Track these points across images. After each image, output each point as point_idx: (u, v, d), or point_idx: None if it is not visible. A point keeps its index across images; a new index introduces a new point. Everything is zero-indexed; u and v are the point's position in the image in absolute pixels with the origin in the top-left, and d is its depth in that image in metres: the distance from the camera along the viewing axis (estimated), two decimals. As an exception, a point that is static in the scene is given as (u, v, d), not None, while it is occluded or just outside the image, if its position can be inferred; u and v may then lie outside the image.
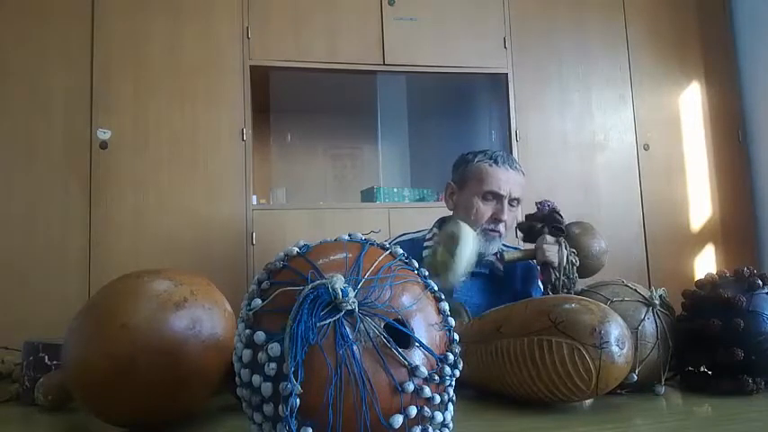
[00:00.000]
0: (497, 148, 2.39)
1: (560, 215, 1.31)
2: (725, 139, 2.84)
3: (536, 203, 1.35)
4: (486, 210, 1.44)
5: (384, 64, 2.54)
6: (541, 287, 1.53)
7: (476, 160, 1.47)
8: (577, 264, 1.25)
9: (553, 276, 1.25)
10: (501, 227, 1.44)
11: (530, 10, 2.72)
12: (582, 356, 0.66)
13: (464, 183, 1.49)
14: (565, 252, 1.25)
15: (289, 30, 2.48)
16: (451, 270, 1.15)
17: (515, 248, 1.63)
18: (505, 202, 1.44)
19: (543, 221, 1.32)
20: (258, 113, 2.73)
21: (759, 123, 2.81)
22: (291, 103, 2.90)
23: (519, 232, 1.39)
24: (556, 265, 1.25)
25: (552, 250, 1.26)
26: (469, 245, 1.17)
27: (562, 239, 1.27)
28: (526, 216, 1.37)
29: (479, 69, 2.66)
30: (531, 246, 1.35)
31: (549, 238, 1.28)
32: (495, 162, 1.45)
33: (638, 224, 2.70)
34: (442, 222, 1.58)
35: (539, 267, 1.53)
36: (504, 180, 1.43)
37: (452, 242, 1.18)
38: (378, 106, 2.96)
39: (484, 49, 2.65)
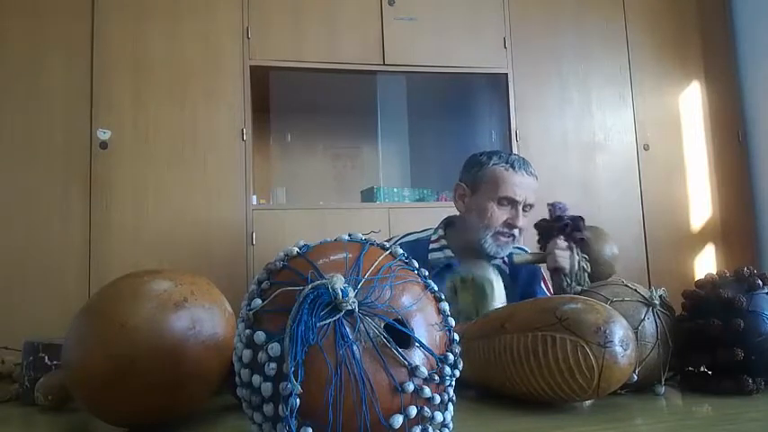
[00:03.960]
0: (498, 149, 2.39)
1: (583, 223, 1.27)
2: (725, 139, 2.84)
3: (548, 205, 1.31)
4: (501, 215, 1.41)
5: (384, 64, 2.54)
6: (545, 289, 1.52)
7: (491, 163, 1.44)
8: (589, 270, 1.22)
9: (564, 283, 1.23)
10: (515, 232, 1.43)
11: (530, 10, 2.72)
12: (585, 354, 0.66)
13: (477, 186, 1.46)
14: (576, 258, 1.22)
15: (289, 30, 2.48)
16: (478, 311, 1.10)
17: (520, 248, 1.63)
18: (520, 207, 1.42)
19: (566, 227, 1.27)
20: (258, 113, 2.73)
21: (759, 123, 2.81)
22: (291, 103, 2.90)
23: (536, 230, 1.35)
24: (567, 271, 1.23)
25: (564, 256, 1.24)
26: (500, 294, 1.11)
27: (574, 245, 1.24)
28: (547, 219, 1.33)
29: (479, 69, 2.66)
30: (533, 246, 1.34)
31: (560, 243, 1.26)
32: (512, 167, 1.42)
33: (638, 224, 2.70)
34: (448, 222, 1.57)
35: (544, 272, 1.53)
36: (520, 186, 1.41)
37: (481, 294, 1.12)
38: (378, 106, 2.96)
39: (484, 49, 2.65)
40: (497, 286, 1.13)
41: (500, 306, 1.12)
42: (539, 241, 1.35)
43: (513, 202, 1.42)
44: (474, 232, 1.44)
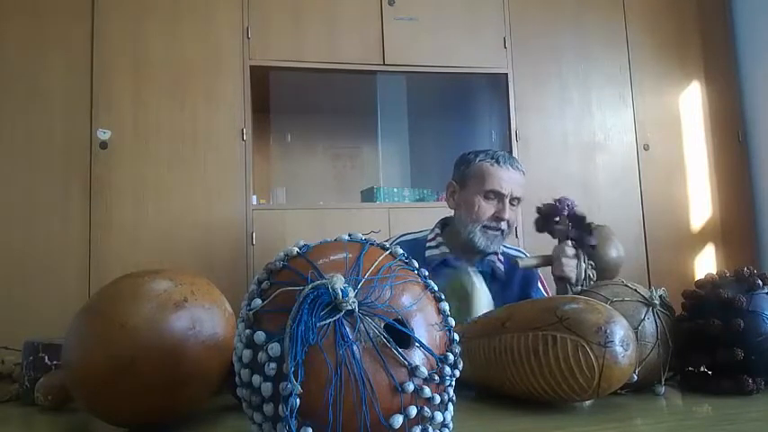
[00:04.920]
0: (497, 148, 2.39)
1: (589, 227, 1.22)
2: (725, 139, 2.84)
3: (554, 200, 1.27)
4: (488, 208, 1.44)
5: (384, 64, 2.54)
6: (542, 290, 1.52)
7: (477, 160, 1.48)
8: (594, 279, 1.18)
9: (568, 293, 1.21)
10: (503, 225, 1.44)
11: (530, 10, 2.72)
12: (586, 353, 0.66)
13: (466, 182, 1.49)
14: (583, 266, 1.19)
15: (289, 30, 2.48)
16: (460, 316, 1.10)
17: (517, 249, 1.63)
18: (507, 201, 1.44)
19: (571, 226, 1.24)
20: (258, 113, 2.73)
21: (759, 123, 2.81)
22: (291, 103, 2.90)
23: (538, 214, 1.30)
24: (573, 281, 1.20)
25: (571, 265, 1.22)
26: (483, 301, 1.11)
27: (581, 252, 1.21)
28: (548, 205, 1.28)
29: (479, 69, 2.66)
30: (536, 248, 1.32)
31: (568, 250, 1.23)
32: (497, 162, 1.46)
33: (638, 224, 2.70)
34: (444, 223, 1.58)
35: (540, 274, 1.52)
36: (506, 179, 1.44)
37: (464, 299, 1.12)
38: (378, 106, 2.96)
39: (484, 49, 2.65)
40: (480, 288, 1.13)
41: (486, 309, 1.11)
42: (536, 222, 1.30)
43: (499, 196, 1.44)
44: (463, 227, 1.45)
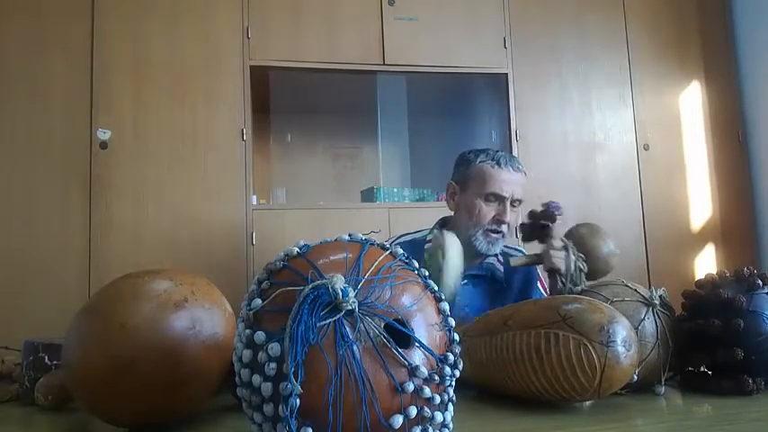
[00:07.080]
0: (497, 148, 2.39)
1: (555, 213, 1.28)
2: (725, 139, 2.84)
3: (542, 205, 1.32)
4: (489, 211, 1.43)
5: (384, 64, 2.54)
6: (541, 290, 1.52)
7: (478, 161, 1.46)
8: (585, 270, 1.20)
9: (559, 284, 1.22)
10: (504, 228, 1.44)
11: (530, 10, 2.72)
12: (588, 352, 0.66)
13: (466, 183, 1.48)
14: (572, 258, 1.21)
15: (289, 30, 2.48)
16: (440, 282, 1.11)
17: (516, 248, 1.63)
18: (508, 203, 1.43)
19: (538, 220, 1.29)
20: (258, 113, 2.73)
21: (759, 123, 2.81)
22: (291, 103, 2.90)
23: (519, 233, 1.38)
24: (563, 272, 1.22)
25: (559, 256, 1.23)
26: (454, 259, 1.13)
27: (570, 244, 1.23)
28: (529, 214, 1.35)
29: (479, 69, 2.66)
30: (531, 246, 1.34)
31: (556, 243, 1.25)
32: (498, 163, 1.44)
33: (638, 224, 2.70)
34: (443, 223, 1.58)
35: (540, 272, 1.52)
36: (507, 181, 1.42)
37: (439, 254, 1.15)
38: (378, 106, 2.96)
39: (484, 49, 2.65)
40: (449, 238, 1.15)
41: (456, 256, 1.12)
42: (523, 240, 1.37)
43: (500, 198, 1.43)
44: (464, 230, 1.45)
